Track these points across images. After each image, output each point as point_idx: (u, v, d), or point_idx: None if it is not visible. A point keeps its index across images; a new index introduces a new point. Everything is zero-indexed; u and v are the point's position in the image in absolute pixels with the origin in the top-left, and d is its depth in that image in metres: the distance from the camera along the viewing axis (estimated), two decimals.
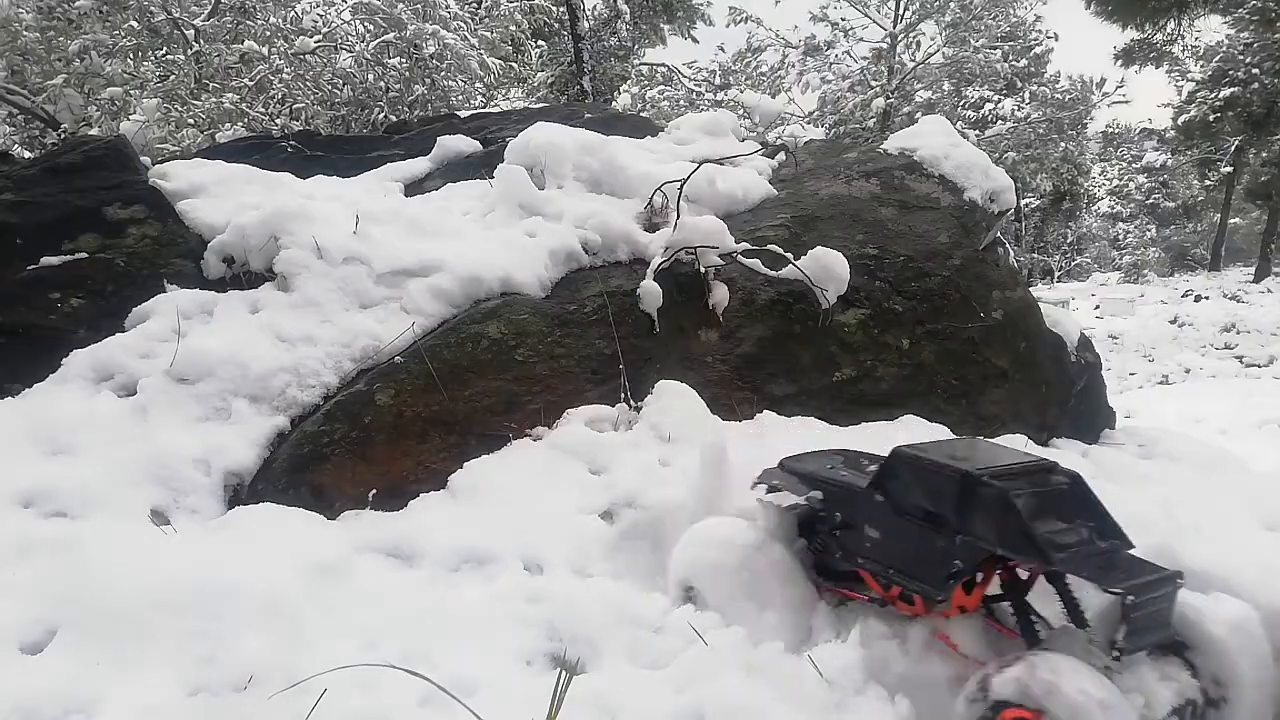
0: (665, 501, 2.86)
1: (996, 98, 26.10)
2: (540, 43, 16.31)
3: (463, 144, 5.51)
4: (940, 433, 3.75)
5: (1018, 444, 3.91)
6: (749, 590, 2.29)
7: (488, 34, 10.80)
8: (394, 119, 8.58)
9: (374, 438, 3.13)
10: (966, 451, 2.26)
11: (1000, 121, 25.58)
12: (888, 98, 21.20)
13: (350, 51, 9.32)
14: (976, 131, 24.63)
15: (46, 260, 3.65)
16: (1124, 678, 1.79)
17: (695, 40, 20.30)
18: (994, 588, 2.17)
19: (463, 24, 10.16)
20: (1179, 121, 26.28)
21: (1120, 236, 38.94)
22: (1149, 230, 37.66)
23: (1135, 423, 6.51)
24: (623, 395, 3.46)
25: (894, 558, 2.19)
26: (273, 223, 3.73)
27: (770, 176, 5.06)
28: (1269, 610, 2.04)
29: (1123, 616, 1.78)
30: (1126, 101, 26.43)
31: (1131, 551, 2.01)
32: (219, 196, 4.20)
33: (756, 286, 4.03)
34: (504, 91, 12.80)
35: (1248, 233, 33.11)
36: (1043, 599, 2.11)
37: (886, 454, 2.26)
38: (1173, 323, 16.39)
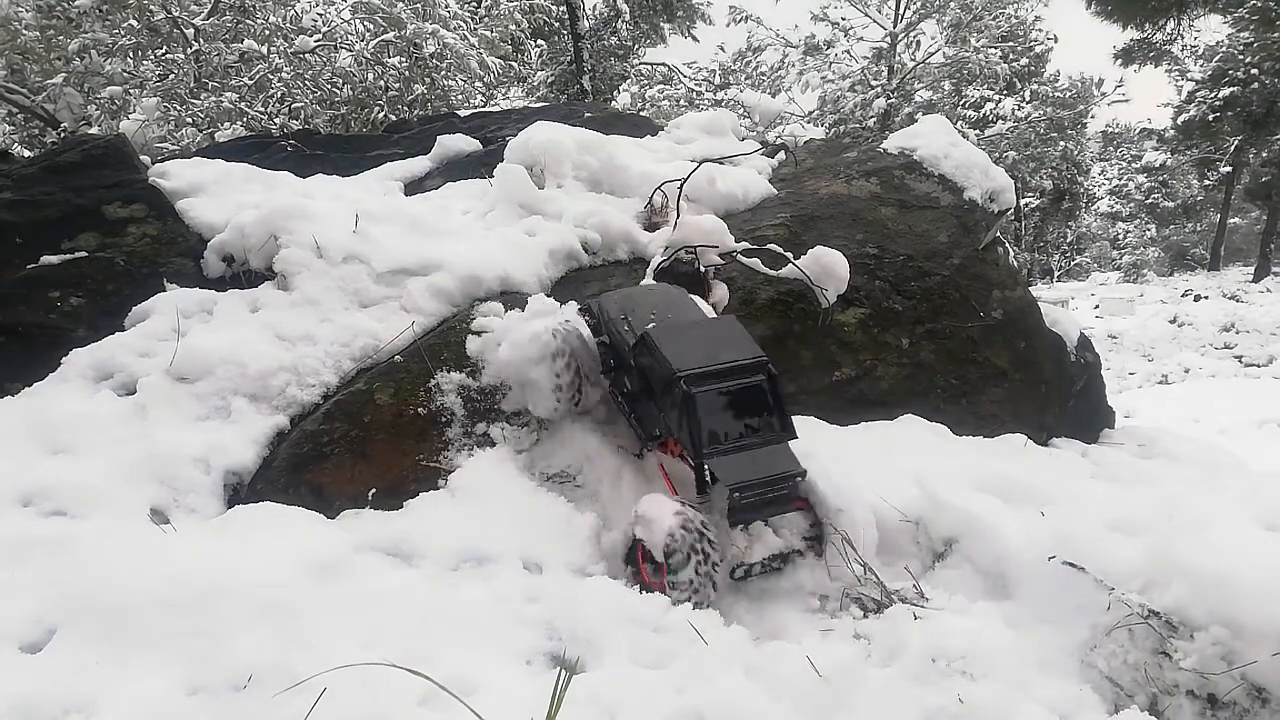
0: None
1: (996, 97, 26.11)
2: (540, 42, 16.31)
3: (463, 143, 5.51)
4: (940, 432, 3.75)
5: (1017, 443, 3.91)
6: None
7: (487, 33, 10.80)
8: (393, 118, 8.59)
9: (374, 437, 3.13)
10: (696, 342, 2.73)
11: (1000, 121, 25.59)
12: (888, 97, 21.21)
13: (350, 50, 9.31)
14: (976, 131, 24.65)
15: (46, 259, 3.65)
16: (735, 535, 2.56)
17: (695, 39, 20.31)
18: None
19: (462, 23, 10.17)
20: (1179, 121, 26.31)
21: (1120, 236, 38.99)
22: (1149, 230, 37.70)
23: (1135, 422, 6.52)
24: None
25: (633, 406, 2.98)
26: (272, 221, 3.73)
27: (770, 176, 5.06)
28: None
29: (729, 502, 2.49)
30: (1126, 101, 26.45)
31: (791, 442, 2.61)
32: (219, 195, 4.20)
33: (756, 286, 4.03)
34: (504, 90, 12.80)
35: (1247, 233, 33.14)
36: None
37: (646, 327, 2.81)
38: (1172, 322, 16.41)
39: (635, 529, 2.53)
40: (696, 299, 3.23)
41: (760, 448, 2.56)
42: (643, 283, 3.77)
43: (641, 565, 2.55)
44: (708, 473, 2.64)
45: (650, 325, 2.82)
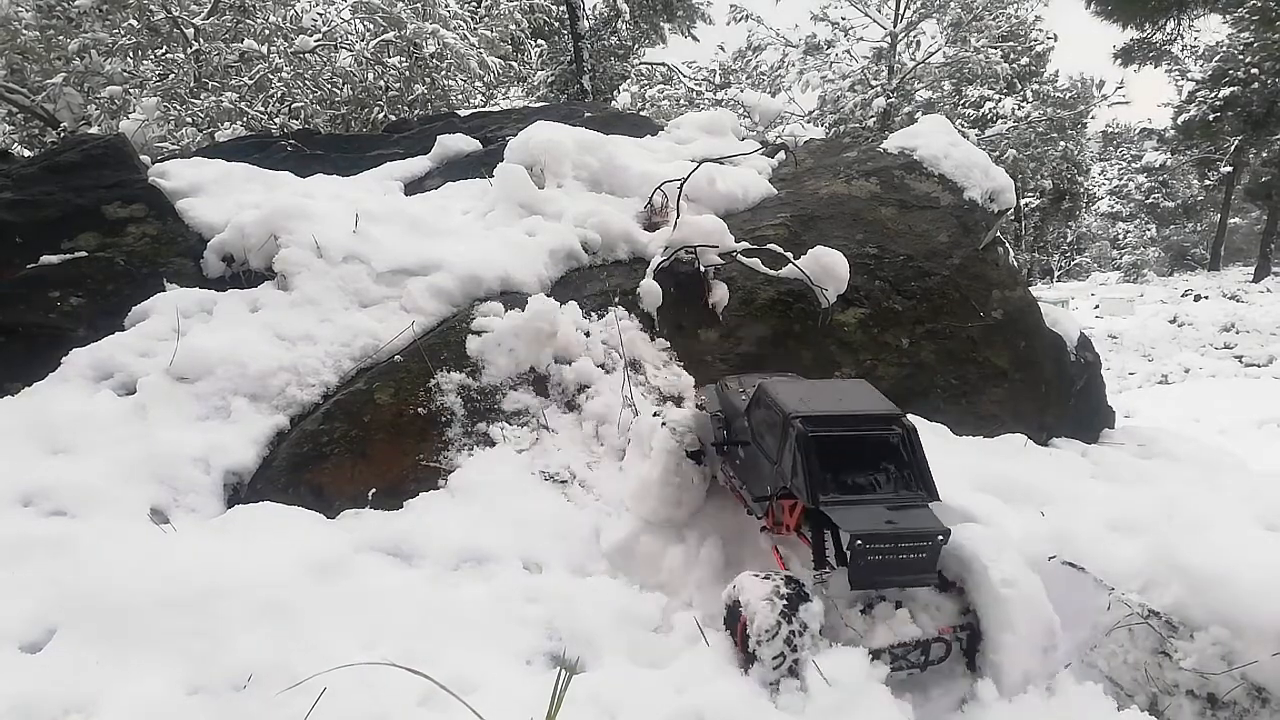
0: None
1: (996, 97, 26.10)
2: (540, 42, 16.31)
3: (463, 143, 5.51)
4: (940, 432, 3.75)
5: (1017, 443, 3.91)
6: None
7: (487, 33, 10.80)
8: (393, 118, 8.59)
9: (374, 437, 3.13)
10: (818, 393, 2.42)
11: (1000, 121, 25.59)
12: (888, 97, 21.20)
13: (350, 50, 9.31)
14: (976, 131, 24.64)
15: (46, 259, 3.65)
16: (844, 613, 2.16)
17: (695, 39, 20.31)
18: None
19: (462, 23, 10.16)
20: (1179, 121, 26.30)
21: (1120, 236, 38.99)
22: (1149, 230, 37.69)
23: (1135, 422, 6.52)
24: (623, 394, 3.45)
25: (745, 475, 2.58)
26: (272, 221, 3.73)
27: (770, 176, 5.06)
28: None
29: (850, 556, 2.01)
30: (1126, 101, 26.43)
31: (933, 504, 2.17)
32: (218, 195, 4.20)
33: (756, 286, 4.03)
34: (504, 90, 12.79)
35: (1247, 233, 33.13)
36: None
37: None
38: (1172, 322, 16.40)
39: (736, 593, 2.17)
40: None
41: (894, 506, 2.13)
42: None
43: (740, 633, 2.14)
44: (829, 542, 2.30)
45: (769, 382, 2.53)
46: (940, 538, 2.06)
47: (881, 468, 2.19)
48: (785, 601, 2.02)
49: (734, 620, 2.16)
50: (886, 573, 2.04)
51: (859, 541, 1.99)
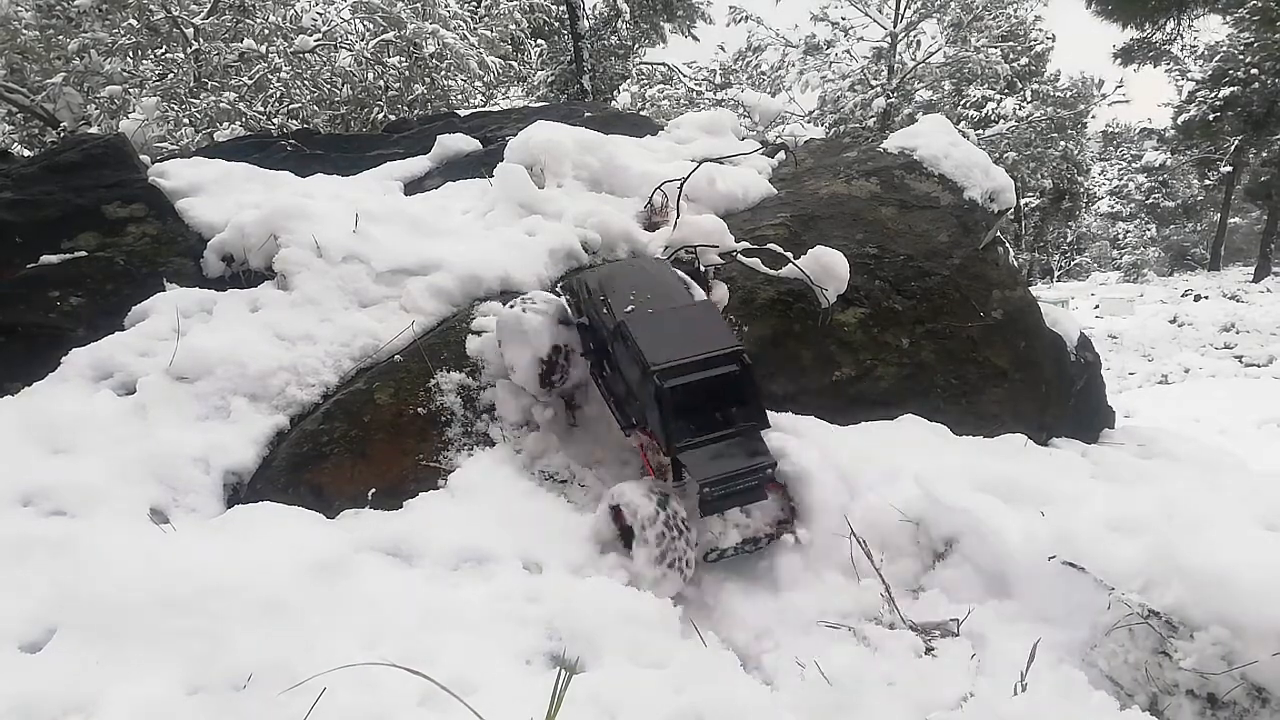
0: None
1: (997, 97, 26.11)
2: (540, 41, 16.31)
3: (462, 143, 5.51)
4: (940, 432, 3.75)
5: (1017, 443, 3.91)
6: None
7: (487, 33, 10.80)
8: (393, 118, 8.58)
9: (374, 436, 3.13)
10: (671, 331, 2.74)
11: (1000, 121, 25.59)
12: (888, 97, 21.20)
13: (350, 50, 9.31)
14: (977, 131, 24.65)
15: (46, 259, 3.65)
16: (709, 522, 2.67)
17: (695, 39, 20.31)
18: None
19: (462, 23, 10.17)
20: (1179, 121, 26.31)
21: (1120, 236, 39.00)
22: (1149, 230, 37.69)
23: (1135, 422, 6.52)
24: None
25: (612, 390, 3.02)
26: (272, 221, 3.73)
27: (770, 175, 5.06)
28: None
29: (700, 498, 2.54)
30: (1126, 101, 26.43)
31: (764, 432, 2.68)
32: (218, 195, 4.20)
33: (756, 285, 4.03)
34: (504, 90, 12.79)
35: (1247, 233, 33.14)
36: None
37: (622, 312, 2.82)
38: (1172, 322, 16.40)
39: (610, 501, 2.68)
40: (678, 272, 3.25)
41: (733, 439, 2.61)
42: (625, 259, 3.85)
43: (622, 526, 2.66)
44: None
45: (629, 310, 2.83)
46: (769, 470, 2.62)
47: (725, 402, 2.64)
48: (659, 496, 2.56)
49: (617, 518, 2.65)
50: (729, 502, 2.60)
51: (706, 489, 2.50)
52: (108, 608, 2.08)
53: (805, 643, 2.35)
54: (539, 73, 16.96)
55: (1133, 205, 36.93)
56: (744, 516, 2.71)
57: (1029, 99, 26.89)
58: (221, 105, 8.27)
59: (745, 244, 4.13)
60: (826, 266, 3.91)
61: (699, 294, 3.13)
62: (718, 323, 2.87)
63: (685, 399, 2.57)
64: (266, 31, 9.01)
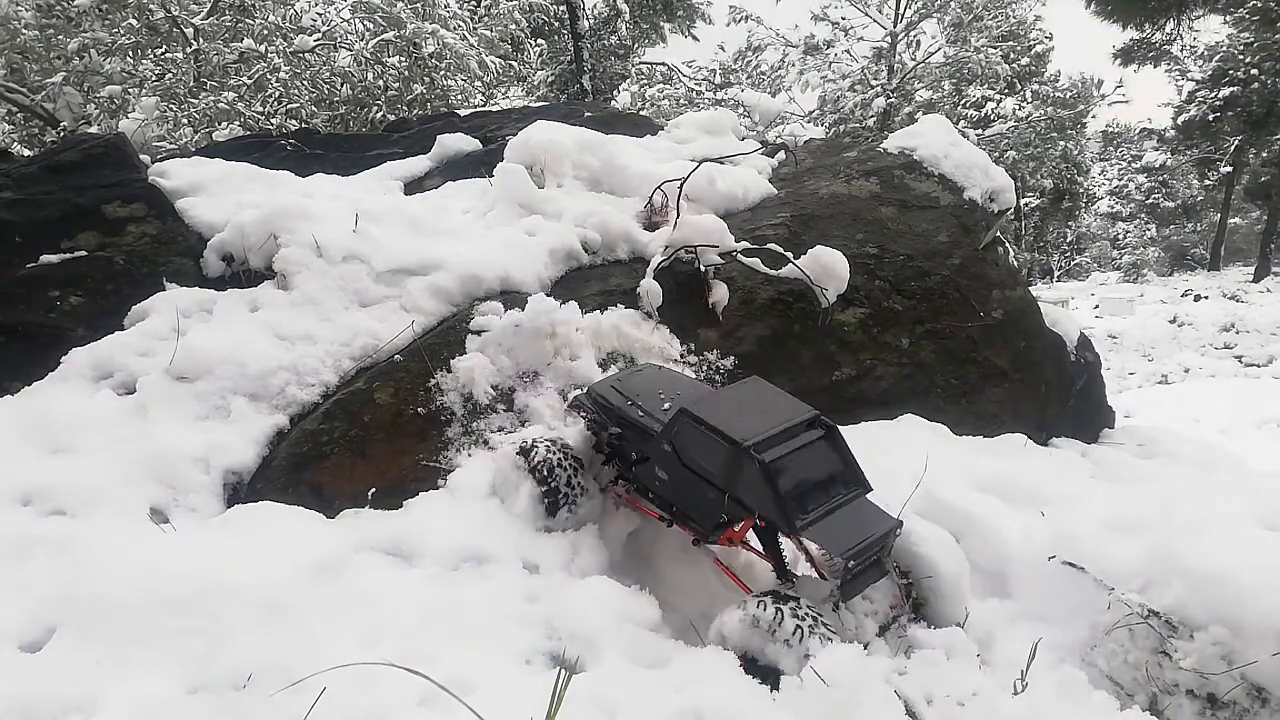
0: None
1: (997, 97, 26.10)
2: (540, 41, 16.30)
3: (462, 142, 5.50)
4: (940, 432, 3.75)
5: (1017, 443, 3.91)
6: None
7: (487, 33, 10.78)
8: (392, 118, 8.57)
9: (373, 436, 3.13)
10: (738, 410, 2.48)
11: (1000, 121, 25.58)
12: (888, 97, 21.19)
13: (349, 50, 9.30)
14: (977, 131, 24.64)
15: (46, 258, 3.65)
16: (841, 616, 2.30)
17: (695, 39, 20.29)
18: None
19: (462, 23, 10.15)
20: (1179, 121, 26.29)
21: (1120, 236, 38.98)
22: (1149, 230, 37.67)
23: (1134, 422, 6.52)
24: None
25: (677, 499, 2.60)
26: (272, 221, 3.73)
27: (770, 175, 5.06)
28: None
29: (842, 578, 2.21)
30: (1126, 101, 26.42)
31: (869, 496, 2.38)
32: (218, 195, 4.20)
33: (756, 285, 4.03)
34: (504, 90, 12.79)
35: (1247, 233, 33.12)
36: None
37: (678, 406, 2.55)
38: (1172, 322, 16.39)
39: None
40: (680, 372, 2.98)
41: (846, 504, 2.32)
42: (638, 366, 3.42)
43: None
44: (792, 553, 2.41)
45: (672, 404, 2.57)
46: (897, 531, 2.33)
47: (824, 468, 2.36)
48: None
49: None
50: (866, 579, 2.28)
51: (851, 563, 2.16)
52: (108, 607, 2.07)
53: None
54: (539, 73, 16.95)
55: (1133, 205, 36.89)
56: (869, 603, 2.36)
57: (1029, 99, 26.88)
58: (221, 105, 8.25)
59: (745, 244, 4.13)
60: (826, 266, 3.91)
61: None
62: (778, 394, 2.61)
63: (789, 472, 2.28)
64: (266, 31, 8.99)
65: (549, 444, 2.82)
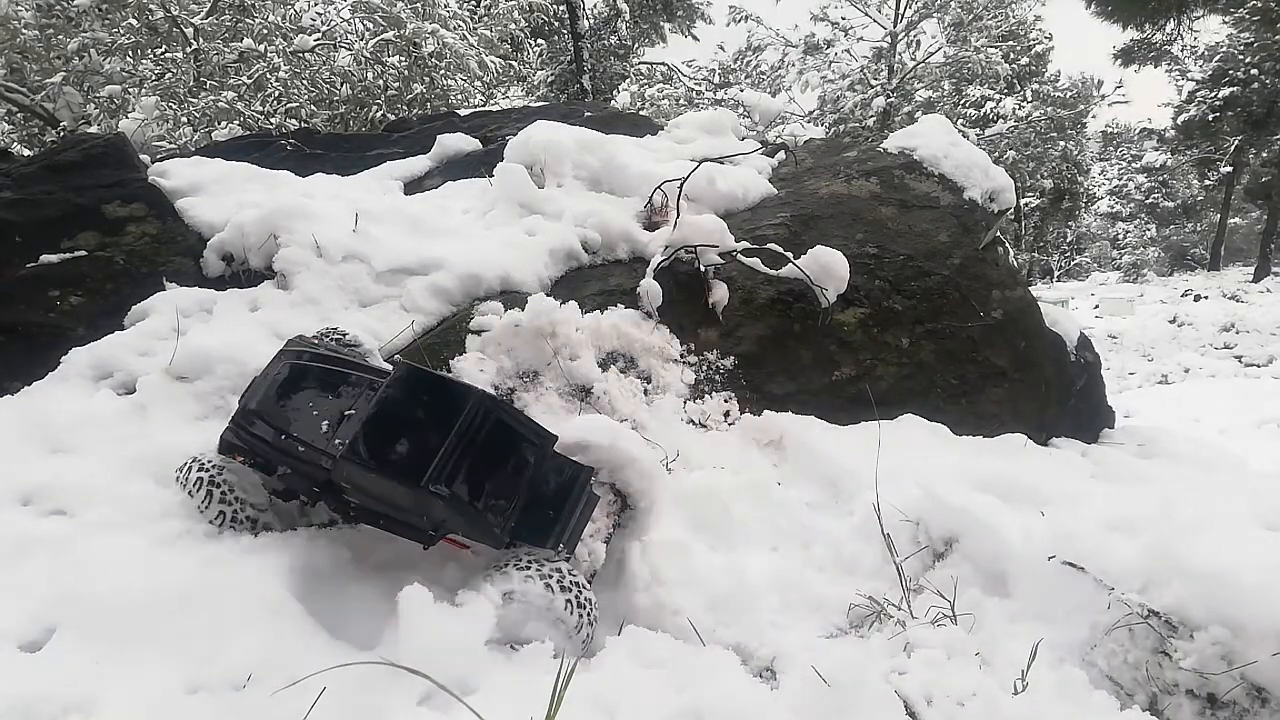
0: None
1: (997, 97, 26.12)
2: (540, 41, 16.31)
3: (462, 142, 5.51)
4: (940, 432, 3.75)
5: (1017, 443, 3.91)
6: None
7: (487, 33, 10.79)
8: (392, 117, 8.58)
9: None
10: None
11: (1000, 121, 25.60)
12: (888, 97, 21.21)
13: (349, 50, 9.30)
14: (976, 131, 24.66)
15: (45, 258, 3.65)
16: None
17: (695, 39, 20.32)
18: None
19: (462, 23, 10.16)
20: (1179, 121, 26.33)
21: (1120, 236, 39.00)
22: (1149, 230, 37.69)
23: (1134, 422, 6.52)
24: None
25: (383, 506, 2.28)
26: (272, 221, 3.73)
27: (770, 175, 5.06)
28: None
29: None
30: (1126, 101, 26.46)
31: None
32: (218, 194, 4.20)
33: (756, 285, 4.03)
34: (504, 90, 12.79)
35: (1247, 233, 33.15)
36: None
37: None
38: (1172, 322, 16.40)
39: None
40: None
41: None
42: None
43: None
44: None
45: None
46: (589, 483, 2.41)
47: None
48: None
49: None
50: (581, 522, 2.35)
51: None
52: (108, 607, 2.07)
53: None
54: (539, 73, 16.96)
55: (1133, 205, 36.90)
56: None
57: (1029, 99, 26.91)
58: (220, 105, 8.26)
59: (745, 244, 4.13)
60: (826, 266, 3.92)
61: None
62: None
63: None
64: (266, 31, 9.00)
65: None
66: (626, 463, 2.52)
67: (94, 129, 8.12)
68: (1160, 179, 35.31)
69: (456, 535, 2.29)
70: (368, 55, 9.27)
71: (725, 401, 3.72)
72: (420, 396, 2.25)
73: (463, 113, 7.04)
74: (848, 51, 22.68)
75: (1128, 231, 38.54)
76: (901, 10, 21.13)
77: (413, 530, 2.27)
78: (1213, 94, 24.17)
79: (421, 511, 2.18)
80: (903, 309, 4.18)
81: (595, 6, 17.94)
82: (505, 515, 2.20)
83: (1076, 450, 4.30)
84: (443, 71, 9.68)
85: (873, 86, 21.86)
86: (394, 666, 1.79)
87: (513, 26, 12.01)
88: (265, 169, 4.64)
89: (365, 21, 9.68)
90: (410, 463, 2.12)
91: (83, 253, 3.71)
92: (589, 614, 2.21)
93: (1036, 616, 2.45)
